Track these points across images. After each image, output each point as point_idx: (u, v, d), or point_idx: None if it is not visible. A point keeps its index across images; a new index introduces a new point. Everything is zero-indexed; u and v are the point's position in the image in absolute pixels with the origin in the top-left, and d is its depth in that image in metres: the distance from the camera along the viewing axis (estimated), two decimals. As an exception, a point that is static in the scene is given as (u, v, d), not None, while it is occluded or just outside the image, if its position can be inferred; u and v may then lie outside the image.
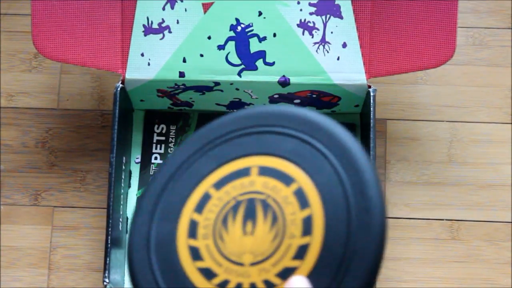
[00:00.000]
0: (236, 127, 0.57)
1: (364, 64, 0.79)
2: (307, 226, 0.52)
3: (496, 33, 0.90)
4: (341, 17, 0.79)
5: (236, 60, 0.79)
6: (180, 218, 0.55)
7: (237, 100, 0.84)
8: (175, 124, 0.88)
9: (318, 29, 0.79)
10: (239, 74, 0.80)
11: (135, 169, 0.86)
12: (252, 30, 0.79)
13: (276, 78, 0.80)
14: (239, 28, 0.79)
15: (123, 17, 0.79)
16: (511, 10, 0.90)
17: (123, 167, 0.82)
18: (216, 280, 0.53)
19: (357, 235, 0.51)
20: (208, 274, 0.53)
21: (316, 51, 0.79)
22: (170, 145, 0.87)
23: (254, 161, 0.55)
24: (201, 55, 0.79)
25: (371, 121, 0.78)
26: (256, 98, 0.83)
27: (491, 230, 0.85)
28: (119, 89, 0.79)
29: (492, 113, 0.88)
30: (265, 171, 0.55)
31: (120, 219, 0.82)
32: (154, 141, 0.87)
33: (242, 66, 0.79)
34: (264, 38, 0.79)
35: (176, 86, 0.81)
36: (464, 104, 0.89)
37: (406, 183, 0.87)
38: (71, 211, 0.86)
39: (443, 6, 0.77)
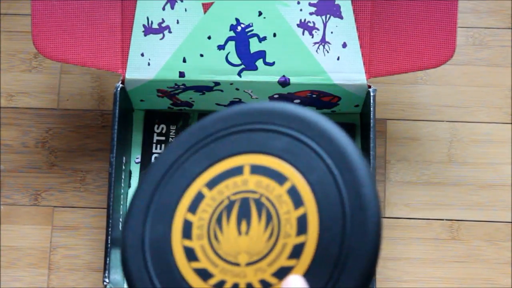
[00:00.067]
0: (227, 125, 0.56)
1: (364, 64, 0.79)
2: (302, 225, 0.52)
3: (496, 33, 0.90)
4: (341, 17, 0.79)
5: (236, 60, 0.79)
6: (173, 218, 0.55)
7: (237, 100, 0.84)
8: (175, 124, 0.88)
9: (318, 29, 0.79)
10: (239, 74, 0.80)
11: (135, 169, 0.86)
12: (252, 30, 0.79)
13: (276, 78, 0.80)
14: (239, 28, 0.79)
15: (123, 17, 0.79)
16: (511, 10, 0.90)
17: (123, 167, 0.82)
18: (213, 281, 0.53)
19: (352, 233, 0.51)
20: (204, 274, 0.53)
21: (316, 51, 0.79)
22: (170, 145, 0.87)
23: (246, 160, 0.55)
24: (201, 55, 0.79)
25: (371, 121, 0.78)
26: (256, 98, 0.83)
27: (491, 230, 0.85)
28: (119, 89, 0.79)
29: (492, 113, 0.88)
30: (257, 170, 0.55)
31: (120, 219, 0.81)
32: (154, 141, 0.87)
33: (242, 66, 0.79)
34: (264, 38, 0.79)
35: (176, 86, 0.81)
36: (464, 104, 0.89)
37: (406, 183, 0.87)
38: (71, 211, 0.86)
39: (443, 6, 0.77)
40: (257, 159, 0.55)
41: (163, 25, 0.79)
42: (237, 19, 0.79)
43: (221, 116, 0.57)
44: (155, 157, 0.87)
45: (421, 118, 0.88)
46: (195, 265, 0.54)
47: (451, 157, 0.87)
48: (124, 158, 0.82)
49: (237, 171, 0.55)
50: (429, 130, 0.88)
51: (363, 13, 0.79)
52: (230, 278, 0.52)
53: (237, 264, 0.53)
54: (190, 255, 0.54)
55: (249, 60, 0.79)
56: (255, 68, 0.79)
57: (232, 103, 0.85)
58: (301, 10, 0.79)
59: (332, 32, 0.79)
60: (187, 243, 0.54)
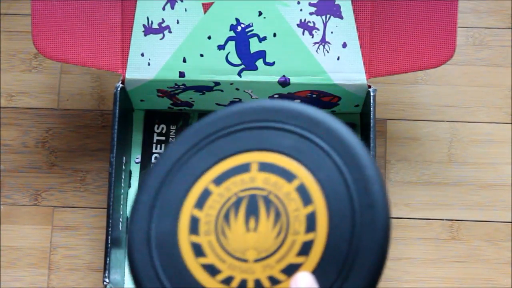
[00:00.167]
0: (235, 122, 0.56)
1: (364, 64, 0.79)
2: (311, 223, 0.52)
3: (496, 33, 0.90)
4: (341, 17, 0.79)
5: (236, 60, 0.79)
6: (180, 214, 0.55)
7: (237, 100, 0.84)
8: (175, 124, 0.88)
9: (318, 29, 0.79)
10: (239, 74, 0.80)
11: (135, 169, 0.86)
12: (252, 30, 0.79)
13: (276, 78, 0.80)
14: (239, 28, 0.79)
15: (123, 17, 0.79)
16: (511, 10, 0.90)
17: (123, 167, 0.82)
18: (220, 277, 0.53)
19: (361, 231, 0.51)
20: (211, 270, 0.53)
21: (316, 51, 0.79)
22: (170, 145, 0.87)
23: (254, 157, 0.55)
24: (201, 55, 0.79)
25: (371, 121, 0.78)
26: (256, 98, 0.83)
27: (491, 230, 0.85)
28: (119, 89, 0.79)
29: (492, 113, 0.88)
30: (265, 167, 0.55)
31: (120, 219, 0.81)
32: (154, 141, 0.87)
33: (242, 66, 0.79)
34: (264, 38, 0.79)
35: (176, 86, 0.81)
36: (464, 104, 0.89)
37: (406, 183, 0.87)
38: (71, 211, 0.86)
39: (443, 6, 0.77)
40: (264, 157, 0.55)
41: (163, 25, 0.79)
42: (237, 19, 0.79)
43: (229, 112, 0.56)
44: (156, 157, 0.87)
45: (421, 118, 0.88)
46: (203, 260, 0.54)
47: (451, 157, 0.87)
48: (124, 158, 0.82)
49: (245, 168, 0.55)
50: (429, 130, 0.88)
51: (363, 13, 0.79)
52: (238, 274, 0.53)
53: (245, 260, 0.53)
54: (198, 250, 0.54)
55: (249, 60, 0.79)
56: (255, 68, 0.79)
57: (232, 103, 0.85)
58: (301, 10, 0.79)
59: (332, 32, 0.79)
60: (194, 238, 0.54)
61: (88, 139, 0.88)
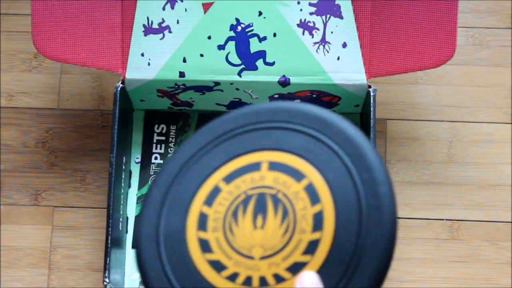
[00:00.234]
0: (246, 122, 0.57)
1: (364, 64, 0.79)
2: (317, 222, 0.52)
3: (496, 33, 0.90)
4: (341, 17, 0.79)
5: (236, 60, 0.79)
6: (189, 210, 0.56)
7: (237, 100, 0.84)
8: (175, 124, 0.88)
9: (318, 29, 0.79)
10: (239, 74, 0.80)
11: (135, 169, 0.86)
12: (252, 30, 0.79)
13: (276, 78, 0.80)
14: (239, 28, 0.79)
15: (123, 17, 0.79)
16: (511, 10, 0.90)
17: (123, 167, 0.82)
18: (226, 273, 0.53)
19: (368, 232, 0.51)
20: (217, 266, 0.54)
21: (316, 51, 0.79)
22: (170, 145, 0.87)
23: (264, 156, 0.56)
24: (201, 55, 0.79)
25: (371, 121, 0.78)
26: (256, 98, 0.83)
27: (491, 230, 0.85)
28: (119, 89, 0.79)
29: (492, 113, 0.88)
30: (275, 166, 0.55)
31: (120, 219, 0.82)
32: (154, 141, 0.87)
33: (242, 66, 0.79)
34: (264, 38, 0.79)
35: (176, 86, 0.81)
36: (465, 104, 0.89)
37: (406, 183, 0.87)
38: (71, 211, 0.86)
39: (443, 6, 0.77)
40: (275, 156, 0.55)
41: (163, 25, 0.79)
42: (237, 19, 0.79)
43: (242, 113, 0.57)
44: (156, 157, 0.87)
45: (421, 118, 0.88)
46: (209, 256, 0.54)
47: (451, 157, 0.87)
48: (124, 158, 0.82)
49: (255, 167, 0.56)
50: (430, 130, 0.88)
51: (363, 13, 0.79)
52: (244, 271, 0.53)
53: (251, 257, 0.53)
54: (205, 246, 0.54)
55: (249, 60, 0.79)
56: (255, 68, 0.79)
57: (232, 103, 0.85)
58: (301, 10, 0.79)
59: (332, 32, 0.79)
60: (202, 234, 0.55)
61: (88, 139, 0.88)
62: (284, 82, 0.80)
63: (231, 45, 0.79)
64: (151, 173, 0.86)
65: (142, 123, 0.88)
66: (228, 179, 0.56)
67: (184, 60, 0.79)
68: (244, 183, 0.55)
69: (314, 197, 0.53)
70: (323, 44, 0.79)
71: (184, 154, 0.58)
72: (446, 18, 0.77)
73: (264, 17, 0.79)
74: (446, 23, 0.77)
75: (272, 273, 0.52)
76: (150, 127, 0.87)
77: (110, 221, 0.77)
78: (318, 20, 0.79)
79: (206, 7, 0.79)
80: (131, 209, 0.85)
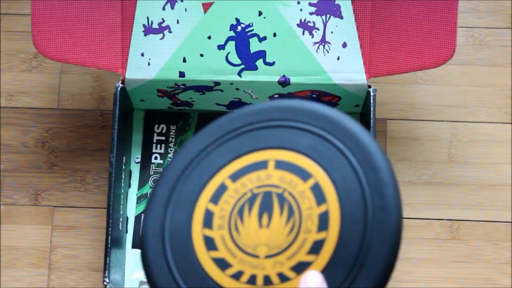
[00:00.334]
0: (253, 120, 0.57)
1: (364, 64, 0.79)
2: (323, 222, 0.52)
3: (496, 33, 0.90)
4: (341, 17, 0.79)
5: (236, 60, 0.79)
6: (195, 207, 0.56)
7: (237, 100, 0.84)
8: (175, 124, 0.88)
9: (318, 29, 0.79)
10: (239, 74, 0.80)
11: (135, 169, 0.86)
12: (252, 30, 0.79)
13: (276, 78, 0.80)
14: (239, 28, 0.79)
15: (123, 17, 0.79)
16: (511, 10, 0.90)
17: (123, 167, 0.82)
18: (230, 271, 0.53)
19: (373, 233, 0.51)
20: (222, 264, 0.54)
21: (316, 51, 0.79)
22: (170, 145, 0.87)
23: (271, 155, 0.56)
24: (201, 55, 0.79)
25: (371, 121, 0.78)
26: (256, 98, 0.83)
27: (491, 230, 0.85)
28: (119, 89, 0.79)
29: (492, 113, 0.88)
30: (282, 165, 0.55)
31: (120, 219, 0.82)
32: (154, 141, 0.87)
33: (242, 66, 0.79)
34: (264, 38, 0.79)
35: (176, 86, 0.81)
36: (465, 104, 0.89)
37: (406, 183, 0.86)
38: (71, 211, 0.86)
39: (443, 6, 0.77)
40: (282, 155, 0.55)
41: (163, 25, 0.79)
42: (237, 19, 0.79)
43: (248, 111, 0.57)
44: (156, 157, 0.87)
45: (421, 118, 0.88)
46: (214, 254, 0.54)
47: (452, 157, 0.87)
48: (124, 158, 0.82)
49: (262, 165, 0.56)
50: (430, 130, 0.88)
51: (363, 13, 0.79)
52: (248, 269, 0.53)
53: (256, 256, 0.53)
54: (210, 244, 0.54)
55: (249, 60, 0.79)
56: (255, 68, 0.79)
57: (232, 103, 0.85)
58: (301, 10, 0.79)
59: (332, 32, 0.79)
60: (207, 232, 0.55)
61: (88, 139, 0.88)
62: (284, 82, 0.80)
63: (231, 45, 0.79)
64: (151, 173, 0.86)
65: (142, 123, 0.88)
66: (235, 177, 0.56)
67: (184, 60, 0.79)
68: (250, 181, 0.55)
69: (320, 197, 0.53)
70: (323, 44, 0.79)
71: (190, 152, 0.58)
72: (446, 18, 0.77)
73: (264, 17, 0.79)
74: (446, 23, 0.77)
75: (276, 272, 0.52)
76: (150, 127, 0.87)
77: (110, 221, 0.77)
78: (318, 20, 0.79)
79: (206, 7, 0.79)
80: (131, 209, 0.85)
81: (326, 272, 0.51)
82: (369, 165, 0.53)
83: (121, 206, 0.82)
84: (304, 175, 0.54)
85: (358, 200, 0.52)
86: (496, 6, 0.91)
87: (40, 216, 0.86)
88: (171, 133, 0.87)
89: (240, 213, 0.55)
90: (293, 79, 0.79)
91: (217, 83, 0.80)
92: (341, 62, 0.79)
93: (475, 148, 0.87)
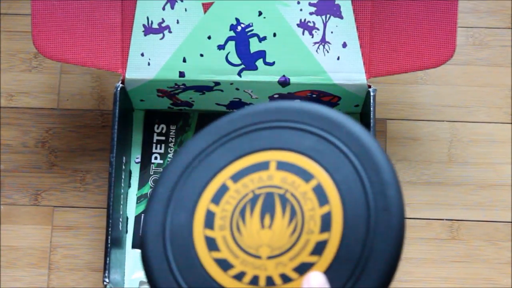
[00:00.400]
0: (255, 121, 0.57)
1: (364, 64, 0.79)
2: (325, 223, 0.52)
3: (496, 33, 0.90)
4: (341, 17, 0.79)
5: (236, 60, 0.79)
6: (196, 208, 0.56)
7: (237, 100, 0.84)
8: (175, 124, 0.88)
9: (318, 29, 0.79)
10: (239, 74, 0.80)
11: (135, 169, 0.86)
12: (252, 30, 0.79)
13: (276, 78, 0.80)
14: (239, 28, 0.79)
15: (123, 17, 0.79)
16: (511, 10, 0.90)
17: (123, 167, 0.82)
18: (232, 272, 0.53)
19: (376, 234, 0.51)
20: (224, 265, 0.54)
21: (316, 51, 0.79)
22: (170, 145, 0.87)
23: (273, 156, 0.56)
24: (201, 55, 0.79)
25: (371, 121, 0.78)
26: (256, 98, 0.83)
27: (491, 230, 0.85)
28: (119, 89, 0.79)
29: (492, 113, 0.88)
30: (283, 166, 0.55)
31: (120, 219, 0.82)
32: (154, 141, 0.87)
33: (242, 66, 0.79)
34: (264, 38, 0.79)
35: (176, 86, 0.81)
36: (465, 104, 0.89)
37: (406, 183, 0.86)
38: (71, 211, 0.86)
39: (443, 6, 0.77)
40: (283, 156, 0.55)
41: (163, 25, 0.79)
42: (237, 19, 0.79)
43: (250, 111, 0.57)
44: (155, 157, 0.87)
45: (421, 118, 0.88)
46: (216, 255, 0.54)
47: (451, 157, 0.87)
48: (124, 158, 0.82)
49: (263, 166, 0.56)
50: (429, 130, 0.88)
51: (363, 13, 0.79)
52: (250, 270, 0.53)
53: (258, 257, 0.53)
54: (211, 244, 0.54)
55: (249, 60, 0.79)
56: (255, 68, 0.79)
57: (232, 103, 0.85)
58: (301, 10, 0.79)
59: (332, 32, 0.79)
60: (209, 233, 0.55)
61: (88, 139, 0.88)
62: (284, 82, 0.80)
63: (231, 45, 0.79)
64: (151, 173, 0.86)
65: (142, 123, 0.88)
66: (236, 177, 0.56)
67: (184, 60, 0.79)
68: (252, 182, 0.55)
69: (322, 198, 0.53)
70: (323, 44, 0.79)
71: (190, 152, 0.57)
72: (446, 18, 0.77)
73: (264, 17, 0.79)
74: (446, 23, 0.77)
75: (279, 273, 0.52)
76: (150, 127, 0.87)
77: (110, 221, 0.77)
78: (318, 20, 0.79)
79: (206, 7, 0.79)
80: (131, 209, 0.85)
81: (329, 273, 0.51)
82: (371, 166, 0.53)
83: (121, 206, 0.82)
84: (306, 176, 0.54)
85: (360, 201, 0.52)
86: (496, 6, 0.91)
87: (40, 216, 0.86)
88: (171, 133, 0.87)
89: (242, 213, 0.55)
90: (293, 79, 0.79)
91: (217, 83, 0.80)
92: (341, 62, 0.79)
93: (475, 148, 0.87)
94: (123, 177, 0.82)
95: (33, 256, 0.85)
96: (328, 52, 0.79)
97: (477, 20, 0.90)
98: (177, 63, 0.79)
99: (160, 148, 0.87)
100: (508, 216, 0.86)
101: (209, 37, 0.79)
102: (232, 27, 0.79)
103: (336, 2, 0.79)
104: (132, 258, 0.84)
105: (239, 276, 0.53)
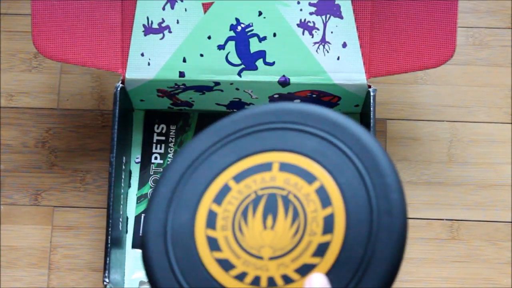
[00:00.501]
0: (258, 122, 0.57)
1: (364, 64, 0.79)
2: (328, 225, 0.52)
3: (496, 33, 0.90)
4: (341, 17, 0.79)
5: (236, 60, 0.79)
6: (198, 208, 0.56)
7: (237, 100, 0.84)
8: (175, 124, 0.88)
9: (318, 29, 0.79)
10: (239, 74, 0.80)
11: (135, 169, 0.86)
12: (252, 30, 0.79)
13: (276, 78, 0.80)
14: (239, 28, 0.79)
15: (123, 17, 0.79)
16: (511, 10, 0.90)
17: (123, 167, 0.82)
18: (234, 272, 0.53)
19: (378, 237, 0.51)
20: (226, 265, 0.54)
21: (316, 51, 0.79)
22: (170, 145, 0.87)
23: (276, 157, 0.56)
24: (201, 55, 0.79)
25: (371, 121, 0.78)
26: (256, 98, 0.83)
27: (491, 230, 0.85)
28: (119, 89, 0.79)
29: (492, 113, 0.88)
30: (286, 168, 0.55)
31: (120, 219, 0.82)
32: (154, 141, 0.87)
33: (242, 66, 0.79)
34: (264, 38, 0.79)
35: (176, 86, 0.81)
36: (465, 104, 0.89)
37: (406, 183, 0.86)
38: (71, 211, 0.86)
39: (443, 6, 0.77)
40: (286, 157, 0.55)
41: (163, 25, 0.79)
42: (237, 19, 0.79)
43: (253, 112, 0.57)
44: (156, 157, 0.87)
45: (421, 118, 0.88)
46: (217, 255, 0.54)
47: (451, 157, 0.87)
48: (124, 158, 0.82)
49: (266, 167, 0.56)
50: (429, 130, 0.88)
51: (363, 13, 0.79)
52: (252, 271, 0.53)
53: (260, 258, 0.53)
54: (213, 244, 0.54)
55: (249, 60, 0.79)
56: (255, 68, 0.79)
57: (232, 103, 0.85)
58: (301, 10, 0.79)
59: (332, 32, 0.79)
60: (211, 233, 0.55)
61: (88, 139, 0.88)
62: (284, 82, 0.80)
63: (231, 45, 0.79)
64: (151, 173, 0.86)
65: (142, 123, 0.88)
66: (238, 178, 0.56)
67: (184, 60, 0.79)
68: (254, 182, 0.55)
69: (325, 200, 0.53)
70: (323, 44, 0.79)
71: (192, 152, 0.57)
72: (446, 18, 0.77)
73: (264, 17, 0.79)
74: (446, 23, 0.77)
75: (280, 274, 0.52)
76: (150, 127, 0.87)
77: (110, 221, 0.77)
78: (318, 20, 0.79)
79: (206, 7, 0.79)
80: (131, 209, 0.85)
81: (331, 274, 0.52)
82: (374, 168, 0.53)
83: (121, 206, 0.82)
84: (309, 177, 0.54)
85: (363, 204, 0.52)
86: (496, 6, 0.91)
87: (40, 216, 0.86)
88: (171, 133, 0.87)
89: (244, 214, 0.55)
90: (293, 79, 0.79)
91: (217, 83, 0.80)
92: (341, 62, 0.79)
93: (475, 148, 0.87)
94: (123, 177, 0.82)
95: (33, 256, 0.85)
96: (328, 52, 0.79)
97: (477, 20, 0.90)
98: (177, 63, 0.79)
99: (160, 148, 0.87)
100: (508, 216, 0.86)
101: (209, 37, 0.79)
102: (232, 27, 0.79)
103: (336, 2, 0.79)
104: (132, 258, 0.84)
105: (240, 277, 0.53)
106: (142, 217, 0.84)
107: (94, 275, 0.85)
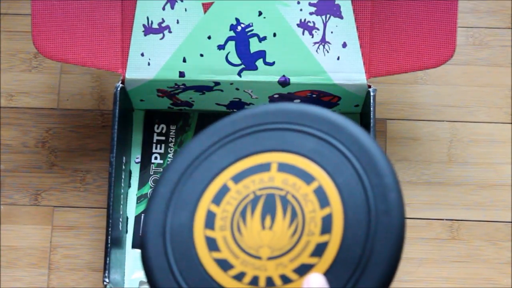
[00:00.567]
0: (257, 122, 0.57)
1: (364, 64, 0.79)
2: (326, 225, 0.52)
3: (496, 33, 0.90)
4: (341, 17, 0.79)
5: (236, 60, 0.79)
6: (197, 208, 0.56)
7: (237, 100, 0.84)
8: (175, 124, 0.88)
9: (318, 29, 0.79)
10: (239, 74, 0.80)
11: (135, 169, 0.86)
12: (252, 30, 0.79)
13: (276, 78, 0.80)
14: (239, 28, 0.79)
15: (123, 17, 0.79)
16: (511, 10, 0.90)
17: (123, 167, 0.82)
18: (232, 272, 0.53)
19: (376, 237, 0.51)
20: (224, 265, 0.54)
21: (316, 51, 0.79)
22: (170, 145, 0.87)
23: (274, 157, 0.56)
24: (201, 55, 0.79)
25: (371, 121, 0.78)
26: (256, 98, 0.83)
27: (491, 230, 0.85)
28: (119, 89, 0.79)
29: (492, 113, 0.88)
30: (285, 168, 0.55)
31: (120, 219, 0.82)
32: (154, 141, 0.87)
33: (242, 66, 0.79)
34: (264, 38, 0.79)
35: (176, 86, 0.81)
36: (465, 104, 0.89)
37: (406, 183, 0.86)
38: (71, 211, 0.86)
39: (443, 6, 0.77)
40: (285, 158, 0.56)
41: (163, 25, 0.79)
42: (237, 19, 0.79)
43: (252, 113, 0.57)
44: (155, 157, 0.87)
45: (421, 118, 0.88)
46: (216, 255, 0.54)
47: (451, 157, 0.87)
48: (124, 158, 0.82)
49: (264, 167, 0.56)
50: (429, 130, 0.88)
51: (363, 13, 0.79)
52: (251, 271, 0.53)
53: (259, 258, 0.53)
54: (212, 245, 0.54)
55: (249, 60, 0.79)
56: (255, 68, 0.79)
57: (232, 103, 0.85)
58: (301, 10, 0.79)
59: (332, 32, 0.79)
60: (209, 233, 0.55)
61: (88, 139, 0.88)
62: (284, 82, 0.80)
63: (231, 45, 0.79)
64: (151, 173, 0.86)
65: (142, 123, 0.88)
66: (237, 178, 0.56)
67: (184, 60, 0.79)
68: (253, 183, 0.55)
69: (323, 200, 0.53)
70: (323, 44, 0.79)
71: (191, 152, 0.57)
72: (446, 18, 0.77)
73: (264, 17, 0.79)
74: (446, 23, 0.77)
75: (279, 274, 0.53)
76: (150, 127, 0.87)
77: (110, 221, 0.77)
78: (318, 20, 0.79)
79: (206, 7, 0.79)
80: (131, 209, 0.85)
81: (329, 274, 0.52)
82: (372, 169, 0.53)
83: (121, 206, 0.82)
84: (307, 178, 0.54)
85: (361, 204, 0.52)
86: (496, 6, 0.91)
87: (40, 216, 0.86)
88: (171, 133, 0.87)
89: (243, 214, 0.55)
90: (293, 79, 0.79)
91: (217, 83, 0.80)
92: (341, 62, 0.79)
93: (475, 148, 0.87)
94: (123, 177, 0.82)
95: (33, 256, 0.85)
96: (328, 52, 0.79)
97: (477, 20, 0.90)
98: (177, 63, 0.79)
99: (160, 148, 0.87)
100: (508, 216, 0.86)
101: (209, 37, 0.79)
102: (232, 27, 0.79)
103: (336, 2, 0.79)
104: (132, 258, 0.84)
105: (239, 277, 0.53)
106: (142, 217, 0.84)
107: (94, 275, 0.85)
